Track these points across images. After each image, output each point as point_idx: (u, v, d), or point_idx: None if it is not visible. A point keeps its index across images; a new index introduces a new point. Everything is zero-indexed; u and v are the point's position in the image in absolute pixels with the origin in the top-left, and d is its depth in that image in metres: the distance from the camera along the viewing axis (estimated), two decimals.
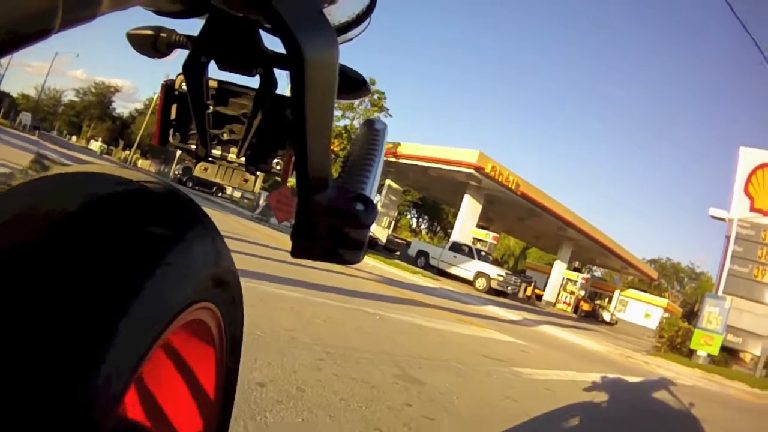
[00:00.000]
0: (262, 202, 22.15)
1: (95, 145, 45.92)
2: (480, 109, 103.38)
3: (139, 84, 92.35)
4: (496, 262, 22.53)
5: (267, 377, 2.08)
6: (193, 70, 0.51)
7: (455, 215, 20.71)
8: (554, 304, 24.30)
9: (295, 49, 0.37)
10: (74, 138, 53.11)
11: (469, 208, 18.63)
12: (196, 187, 23.53)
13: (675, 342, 13.27)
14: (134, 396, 0.54)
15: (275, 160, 0.54)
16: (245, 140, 0.54)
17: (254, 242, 7.87)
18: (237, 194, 31.86)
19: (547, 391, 3.80)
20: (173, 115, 0.54)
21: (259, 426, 1.65)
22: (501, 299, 14.82)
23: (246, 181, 0.56)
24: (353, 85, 0.55)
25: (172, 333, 0.42)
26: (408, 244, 22.17)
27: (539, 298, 24.12)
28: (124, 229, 0.36)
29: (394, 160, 18.33)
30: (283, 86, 0.50)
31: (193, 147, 0.55)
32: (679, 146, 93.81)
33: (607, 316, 26.71)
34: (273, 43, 0.49)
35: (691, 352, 12.86)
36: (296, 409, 1.88)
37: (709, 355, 12.74)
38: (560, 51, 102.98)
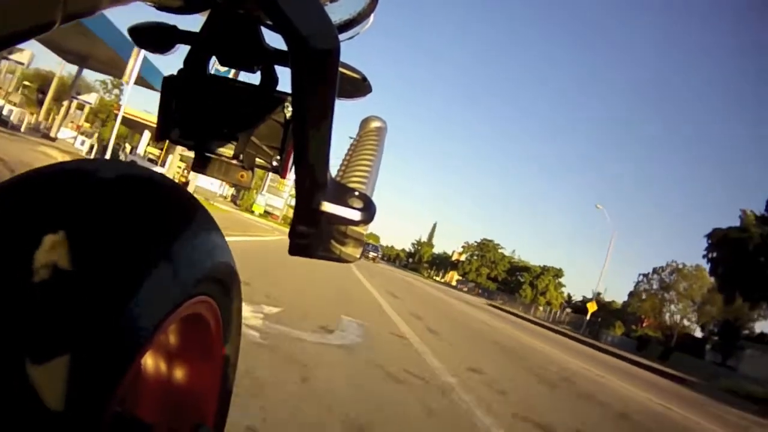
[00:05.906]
0: None
1: None
2: None
3: None
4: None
5: None
6: (195, 65, 0.51)
7: None
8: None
9: (297, 45, 0.37)
10: None
11: None
12: None
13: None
14: (134, 390, 0.54)
15: (274, 157, 0.54)
16: (244, 136, 0.53)
17: None
18: None
19: None
20: (173, 110, 0.53)
21: None
22: None
23: (243, 177, 0.55)
24: (354, 83, 0.55)
25: (171, 327, 0.42)
26: None
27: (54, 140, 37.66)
28: (125, 220, 0.37)
29: None
30: (284, 83, 0.50)
31: (193, 142, 0.54)
32: None
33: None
34: (274, 40, 0.49)
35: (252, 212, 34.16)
36: None
37: (258, 212, 34.71)
38: None
